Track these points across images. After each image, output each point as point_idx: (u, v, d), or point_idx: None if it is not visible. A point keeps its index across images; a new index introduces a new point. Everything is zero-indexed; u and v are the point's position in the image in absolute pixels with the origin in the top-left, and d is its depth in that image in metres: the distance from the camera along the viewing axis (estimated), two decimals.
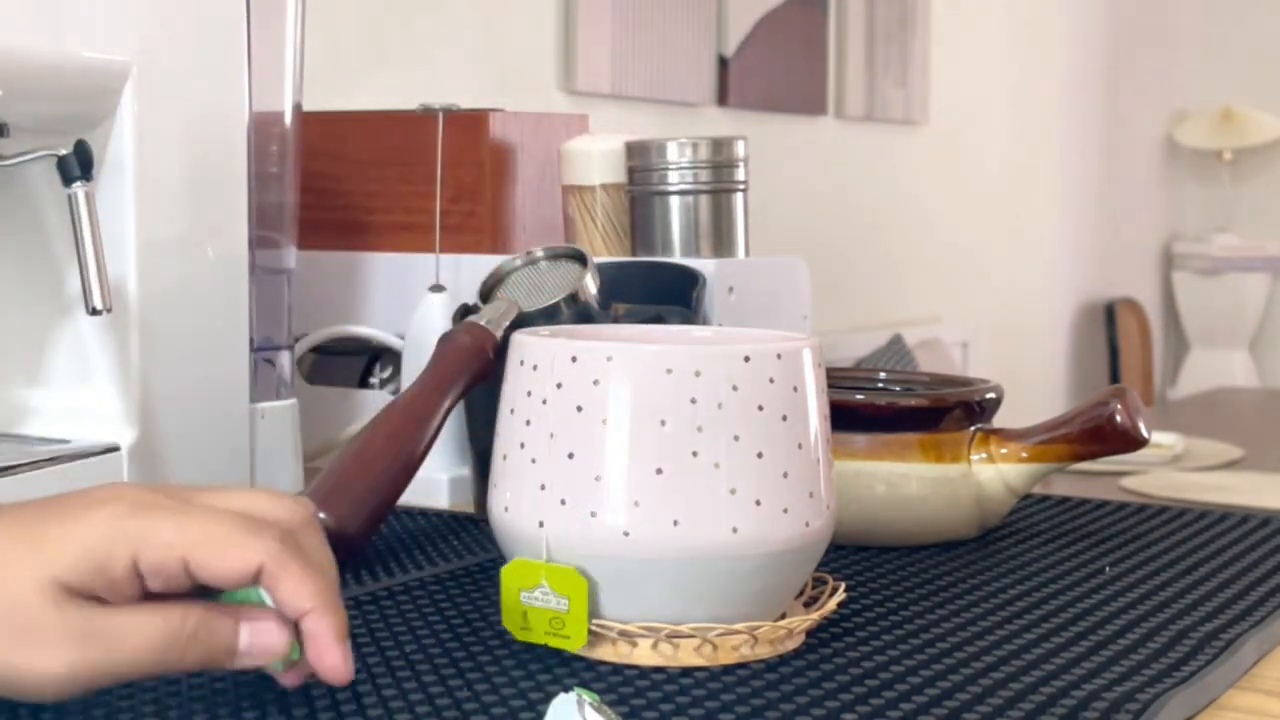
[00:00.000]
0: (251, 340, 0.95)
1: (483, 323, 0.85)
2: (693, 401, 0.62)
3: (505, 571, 0.64)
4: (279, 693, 0.58)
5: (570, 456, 0.62)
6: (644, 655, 0.63)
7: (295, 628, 0.55)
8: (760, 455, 0.62)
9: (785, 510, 0.63)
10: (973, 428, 0.87)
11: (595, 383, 0.62)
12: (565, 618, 0.63)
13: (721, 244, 1.09)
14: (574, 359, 0.63)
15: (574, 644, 0.63)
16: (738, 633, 0.63)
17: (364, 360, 1.15)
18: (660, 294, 1.00)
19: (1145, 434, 0.86)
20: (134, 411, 0.88)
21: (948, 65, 3.22)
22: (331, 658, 0.55)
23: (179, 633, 0.53)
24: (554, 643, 0.63)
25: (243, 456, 0.94)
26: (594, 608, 0.63)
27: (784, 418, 0.63)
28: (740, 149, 1.10)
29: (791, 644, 0.65)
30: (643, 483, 0.61)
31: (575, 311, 0.89)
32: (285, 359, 0.99)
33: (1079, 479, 2.19)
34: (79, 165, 0.82)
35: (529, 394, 0.64)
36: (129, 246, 0.87)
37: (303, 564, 0.55)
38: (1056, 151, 3.85)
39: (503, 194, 1.14)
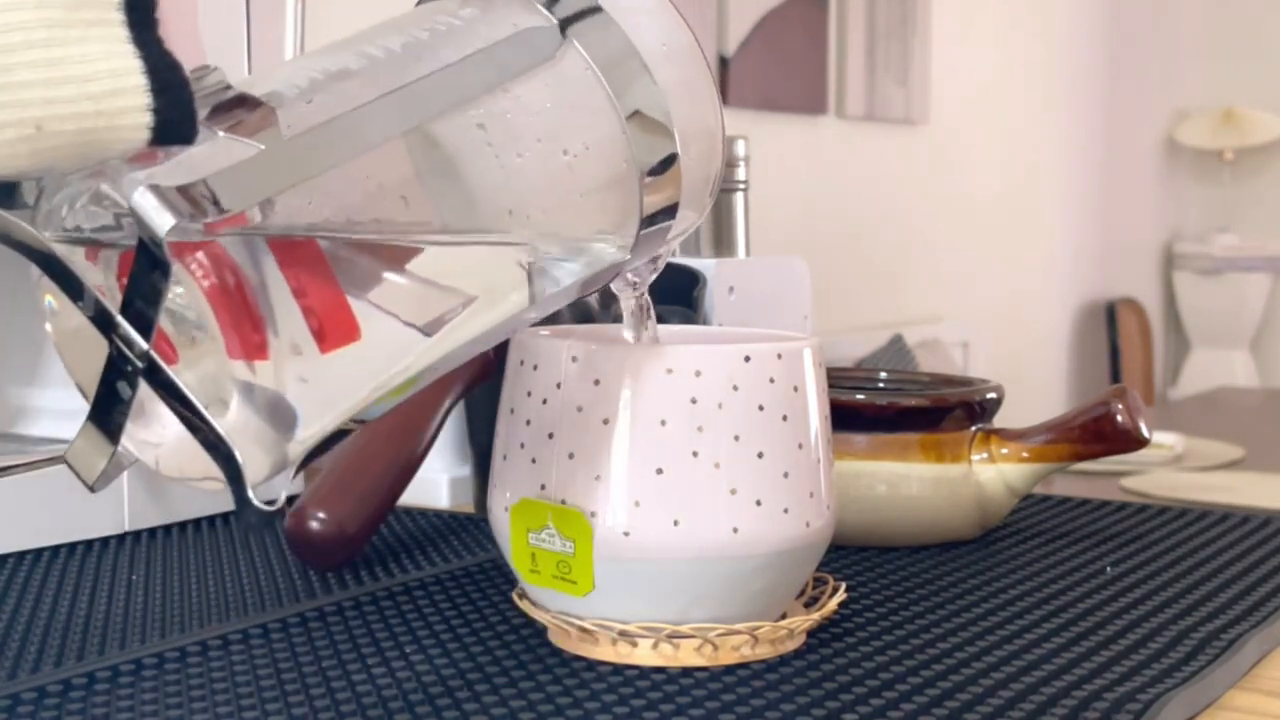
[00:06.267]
0: None
1: None
2: (693, 401, 0.62)
3: (513, 510, 0.64)
4: (279, 692, 0.58)
5: (570, 457, 0.62)
6: (644, 655, 0.63)
7: None
8: (760, 455, 0.62)
9: (786, 510, 0.63)
10: (973, 428, 0.87)
11: (595, 383, 0.62)
12: (571, 561, 0.62)
13: (721, 244, 1.09)
14: (574, 359, 0.63)
15: (580, 589, 0.62)
16: (738, 633, 0.63)
17: None
18: (660, 294, 1.00)
19: (1146, 434, 0.86)
20: None
21: (948, 65, 3.22)
22: None
23: None
24: (561, 587, 0.63)
25: None
26: (594, 608, 0.63)
27: (784, 418, 0.63)
28: (740, 149, 1.10)
29: (792, 644, 0.65)
30: (643, 483, 0.61)
31: (575, 311, 0.89)
32: None
33: (1079, 479, 2.19)
34: None
35: (529, 394, 0.64)
36: None
37: None
38: (1057, 151, 3.85)
39: None
